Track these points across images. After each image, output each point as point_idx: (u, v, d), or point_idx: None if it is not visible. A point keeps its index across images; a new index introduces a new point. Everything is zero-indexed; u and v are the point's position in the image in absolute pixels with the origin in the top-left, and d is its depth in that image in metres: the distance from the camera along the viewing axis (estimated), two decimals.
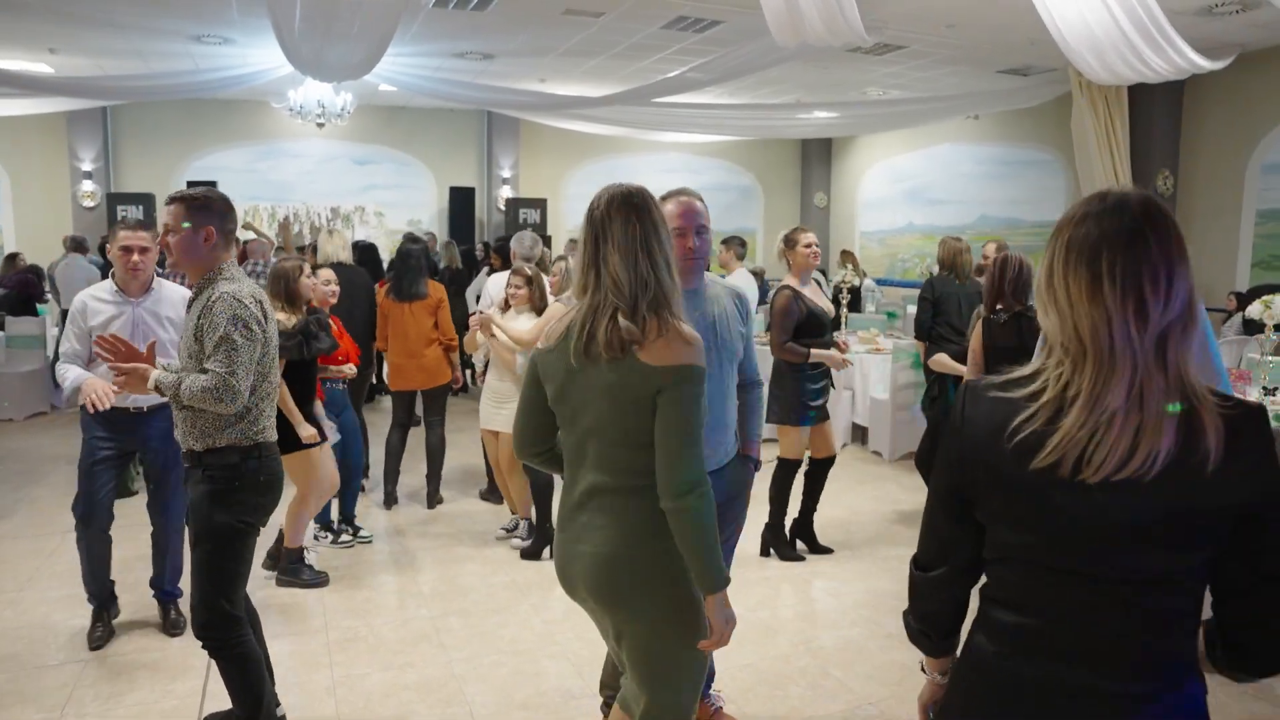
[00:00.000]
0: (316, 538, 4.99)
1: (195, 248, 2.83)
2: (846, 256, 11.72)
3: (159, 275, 3.97)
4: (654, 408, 1.96)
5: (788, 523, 4.98)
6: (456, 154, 14.54)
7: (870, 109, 12.64)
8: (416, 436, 6.02)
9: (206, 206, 2.86)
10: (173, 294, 3.90)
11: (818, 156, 16.64)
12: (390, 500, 5.75)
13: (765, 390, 3.06)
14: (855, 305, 9.97)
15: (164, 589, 4.06)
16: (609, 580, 2.04)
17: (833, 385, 5.02)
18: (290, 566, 4.54)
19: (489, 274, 7.30)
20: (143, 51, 9.94)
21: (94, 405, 3.40)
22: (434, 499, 5.79)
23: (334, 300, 4.94)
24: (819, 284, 4.89)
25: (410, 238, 5.93)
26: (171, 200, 2.88)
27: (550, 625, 4.03)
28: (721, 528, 2.82)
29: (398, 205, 14.34)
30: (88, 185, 12.68)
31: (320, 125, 10.54)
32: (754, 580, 4.56)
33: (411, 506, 5.79)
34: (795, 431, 4.79)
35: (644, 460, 1.99)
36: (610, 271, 1.98)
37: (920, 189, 14.65)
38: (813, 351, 4.60)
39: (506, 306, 4.99)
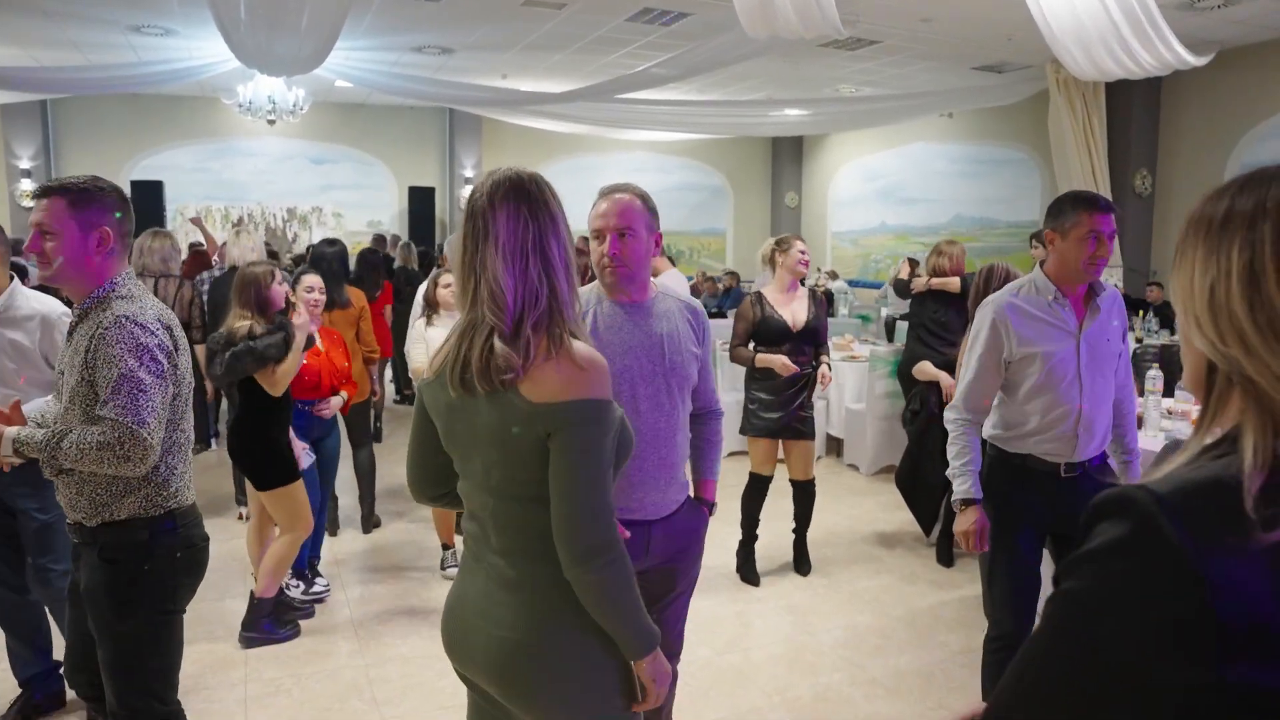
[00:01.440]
0: (287, 587, 4.20)
1: (84, 257, 2.13)
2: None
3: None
4: (545, 454, 1.56)
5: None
6: (417, 153, 14.09)
7: (842, 106, 12.36)
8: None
9: (98, 199, 2.16)
10: (27, 304, 3.01)
11: (788, 155, 16.36)
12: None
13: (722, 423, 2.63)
14: (828, 309, 9.65)
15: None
16: (518, 672, 1.62)
17: (809, 401, 4.63)
18: (263, 623, 3.81)
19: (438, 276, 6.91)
20: (78, 42, 9.43)
21: None
22: (369, 522, 5.33)
23: (319, 310, 4.29)
24: (813, 295, 4.65)
25: (328, 241, 5.42)
26: (45, 192, 2.15)
27: None
28: (673, 585, 2.48)
29: (357, 206, 13.86)
30: (26, 184, 12.10)
31: (271, 122, 10.07)
32: (724, 617, 4.20)
33: (347, 532, 5.30)
34: (754, 443, 4.62)
35: (545, 519, 1.58)
36: (490, 279, 1.58)
37: (893, 188, 14.41)
38: (758, 357, 4.45)
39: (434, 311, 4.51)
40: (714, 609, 4.22)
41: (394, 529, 5.38)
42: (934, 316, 5.25)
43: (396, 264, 8.90)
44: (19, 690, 3.26)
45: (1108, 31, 5.54)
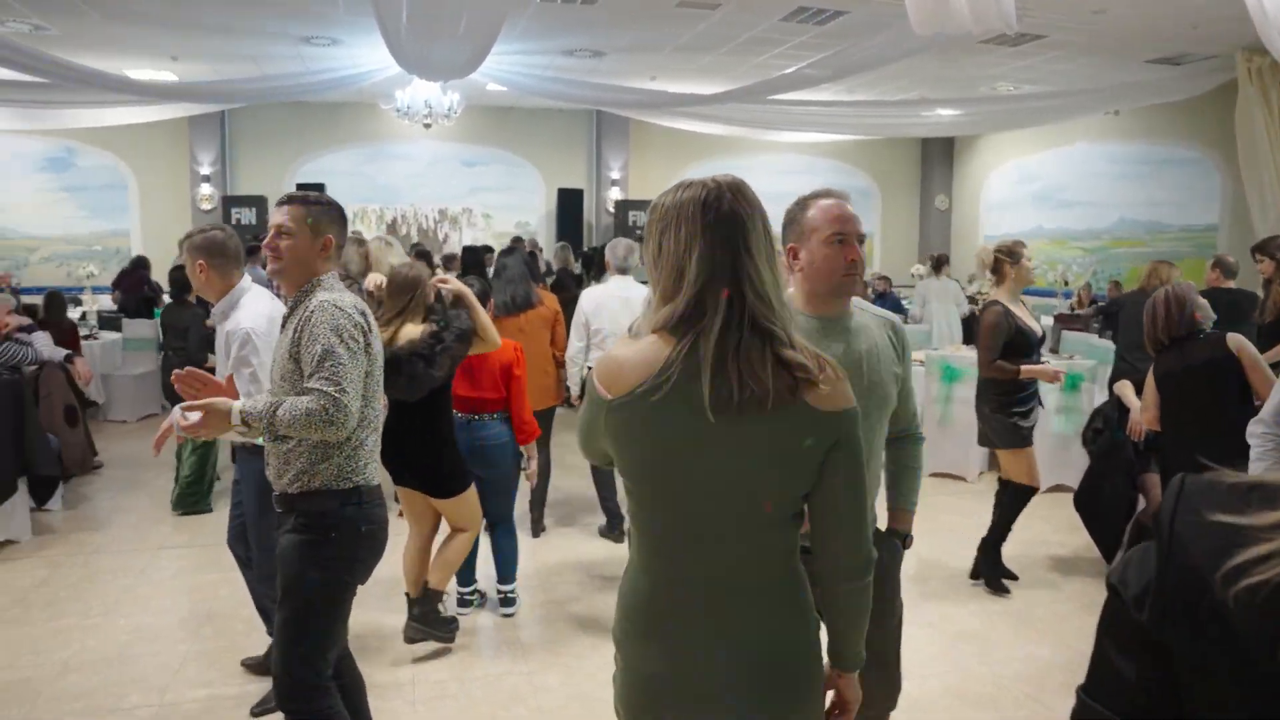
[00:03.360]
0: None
1: (311, 257, 2.51)
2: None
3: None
4: (819, 467, 1.52)
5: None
6: (565, 155, 14.26)
7: (1000, 105, 11.79)
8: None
9: (328, 212, 2.56)
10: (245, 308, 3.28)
11: (939, 156, 15.78)
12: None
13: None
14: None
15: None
16: (783, 687, 1.57)
17: (1041, 405, 4.61)
18: (432, 614, 3.83)
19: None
20: (255, 55, 9.97)
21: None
22: (538, 527, 5.37)
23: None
24: (1024, 303, 4.57)
25: (506, 250, 5.46)
26: (289, 200, 2.54)
27: None
28: (878, 621, 2.30)
29: (506, 207, 14.12)
30: (206, 189, 12.89)
31: (427, 126, 10.36)
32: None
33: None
34: (1021, 455, 4.51)
35: (791, 539, 1.59)
36: (755, 284, 1.51)
37: (1050, 190, 13.70)
38: (1023, 368, 4.36)
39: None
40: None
41: (557, 535, 5.39)
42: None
43: (555, 266, 8.98)
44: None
45: None
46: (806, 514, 1.60)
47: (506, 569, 4.30)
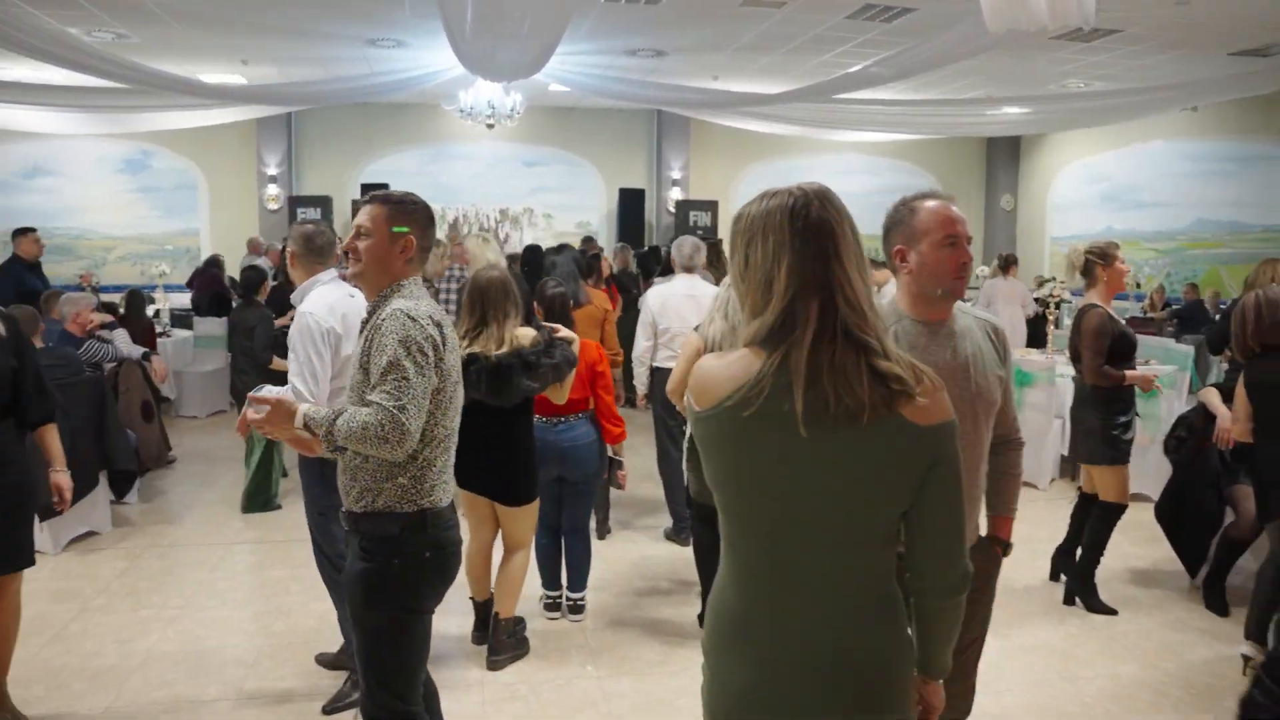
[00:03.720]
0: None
1: (390, 259, 2.37)
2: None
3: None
4: (917, 483, 1.47)
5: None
6: (625, 155, 14.28)
7: (1070, 103, 11.47)
8: None
9: (412, 214, 2.42)
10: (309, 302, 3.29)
11: (1004, 156, 15.45)
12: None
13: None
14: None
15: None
16: (875, 702, 1.54)
17: (1138, 414, 4.47)
18: (511, 640, 3.76)
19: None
20: (322, 58, 10.13)
21: None
22: (603, 529, 5.34)
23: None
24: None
25: (554, 249, 5.48)
26: (372, 199, 2.43)
27: None
28: (968, 628, 2.25)
29: (566, 207, 14.19)
30: (272, 189, 13.16)
31: (490, 126, 10.43)
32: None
33: None
34: (1117, 471, 4.35)
35: (887, 556, 1.53)
36: (847, 293, 1.47)
37: (1121, 190, 13.32)
38: (1128, 374, 4.23)
39: None
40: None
41: (623, 538, 5.37)
42: None
43: (616, 267, 8.97)
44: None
45: None
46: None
47: (580, 576, 4.21)
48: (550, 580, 4.25)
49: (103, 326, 6.26)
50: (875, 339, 1.47)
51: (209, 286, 10.10)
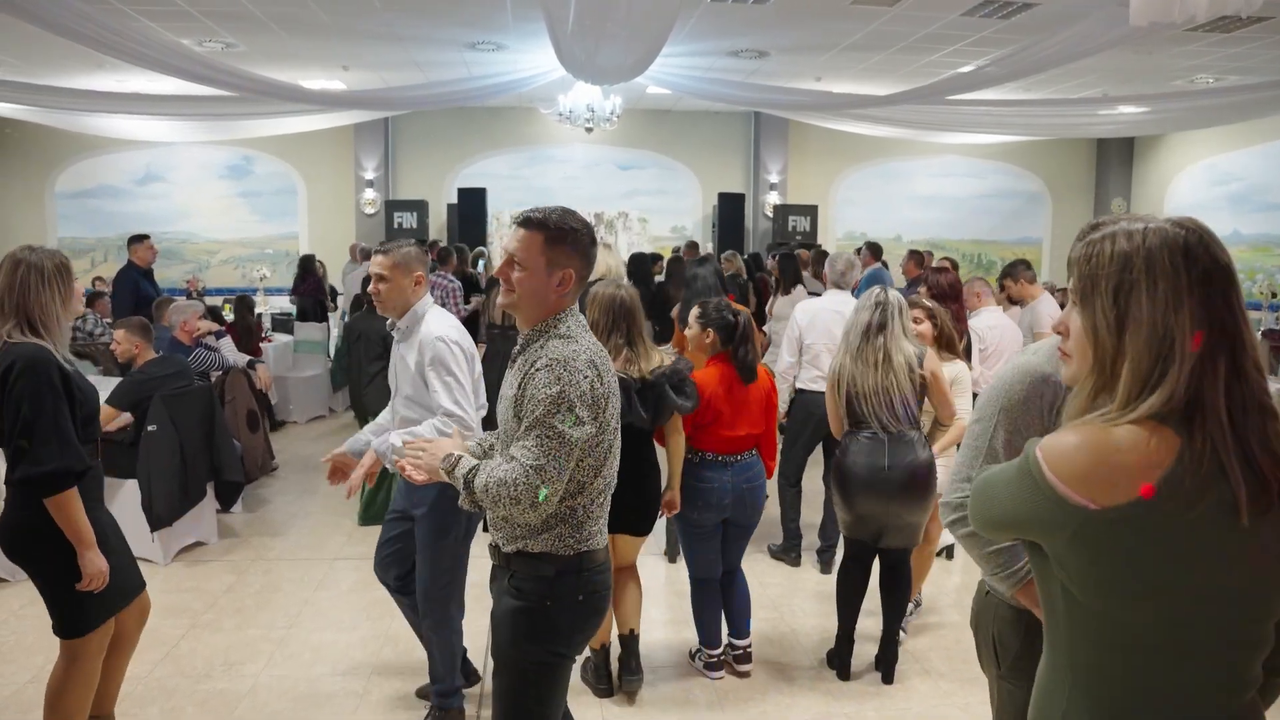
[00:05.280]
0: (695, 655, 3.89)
1: (546, 293, 2.16)
2: None
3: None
4: None
5: None
6: (722, 158, 14.04)
7: (1195, 101, 10.76)
8: None
9: (573, 240, 2.17)
10: (415, 335, 3.10)
11: (1117, 157, 14.69)
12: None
13: None
14: None
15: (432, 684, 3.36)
16: None
17: None
18: (636, 658, 3.59)
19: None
20: (421, 62, 10.14)
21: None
22: (674, 550, 5.07)
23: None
24: None
25: (698, 260, 5.27)
26: (527, 222, 2.17)
27: None
28: None
29: (661, 211, 14.03)
30: (369, 194, 13.29)
31: (589, 130, 10.30)
32: None
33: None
34: None
35: (1261, 660, 1.29)
36: (1252, 353, 1.23)
37: (1251, 192, 12.51)
38: None
39: None
40: None
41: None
42: None
43: (727, 273, 8.73)
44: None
45: None
46: None
47: (745, 621, 3.81)
48: (713, 636, 3.75)
49: (210, 334, 6.28)
50: (1274, 403, 1.24)
51: (310, 291, 10.21)
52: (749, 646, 3.82)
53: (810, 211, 13.20)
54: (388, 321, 3.23)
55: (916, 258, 8.60)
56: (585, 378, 2.09)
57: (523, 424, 2.08)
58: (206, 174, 13.47)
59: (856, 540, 3.70)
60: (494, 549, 2.27)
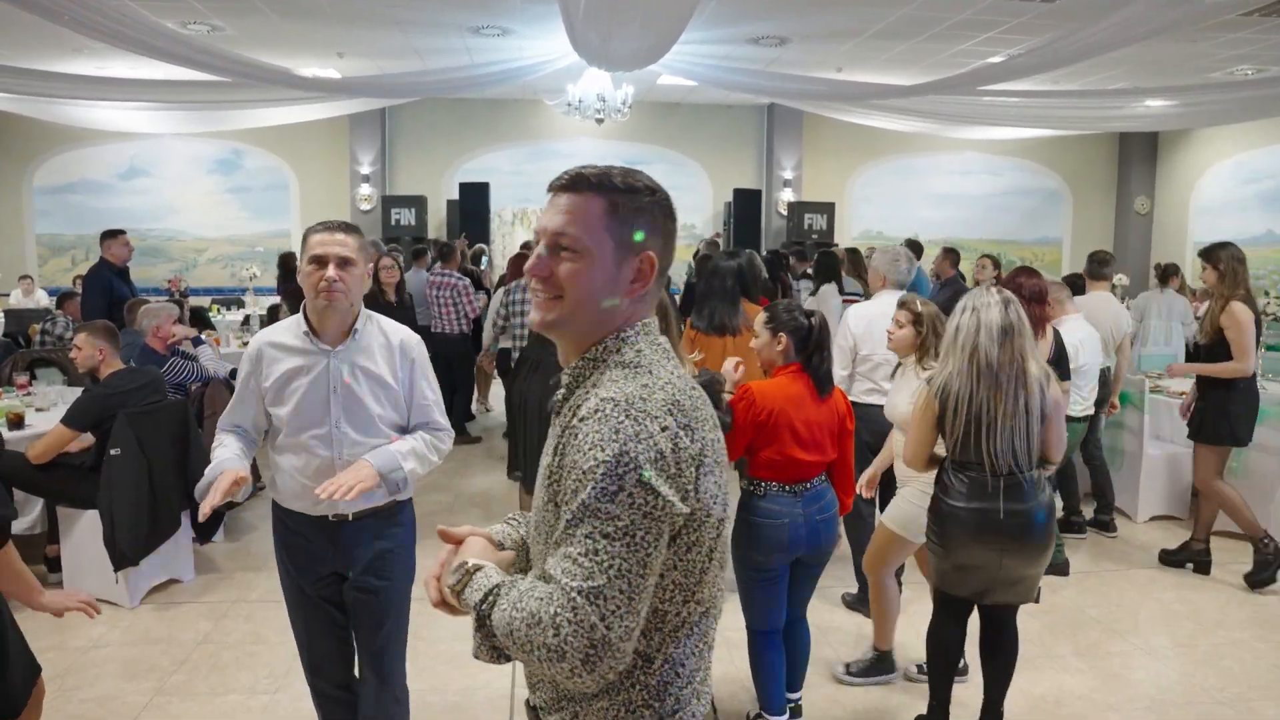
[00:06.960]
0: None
1: (610, 290, 1.34)
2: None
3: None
4: None
5: None
6: (733, 153, 13.48)
7: (1233, 93, 10.22)
8: None
9: (649, 210, 1.37)
10: (375, 340, 2.58)
11: (1140, 154, 14.16)
12: None
13: None
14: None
15: None
16: None
17: None
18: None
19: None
20: (421, 49, 9.57)
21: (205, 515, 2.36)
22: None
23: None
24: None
25: (728, 253, 4.71)
26: (577, 182, 1.36)
27: None
28: None
29: None
30: (365, 189, 12.70)
31: (599, 121, 9.72)
32: None
33: None
34: None
35: None
36: None
37: None
38: None
39: None
40: None
41: None
42: None
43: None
44: None
45: None
46: None
47: (802, 672, 3.35)
48: (775, 700, 3.18)
49: (187, 340, 5.70)
50: None
51: (296, 292, 9.60)
52: (799, 699, 3.32)
53: (827, 209, 12.63)
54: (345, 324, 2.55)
55: (952, 256, 8.04)
56: (664, 429, 1.24)
57: (562, 517, 1.25)
58: (194, 168, 12.87)
59: (950, 594, 3.05)
60: (530, 710, 1.44)
